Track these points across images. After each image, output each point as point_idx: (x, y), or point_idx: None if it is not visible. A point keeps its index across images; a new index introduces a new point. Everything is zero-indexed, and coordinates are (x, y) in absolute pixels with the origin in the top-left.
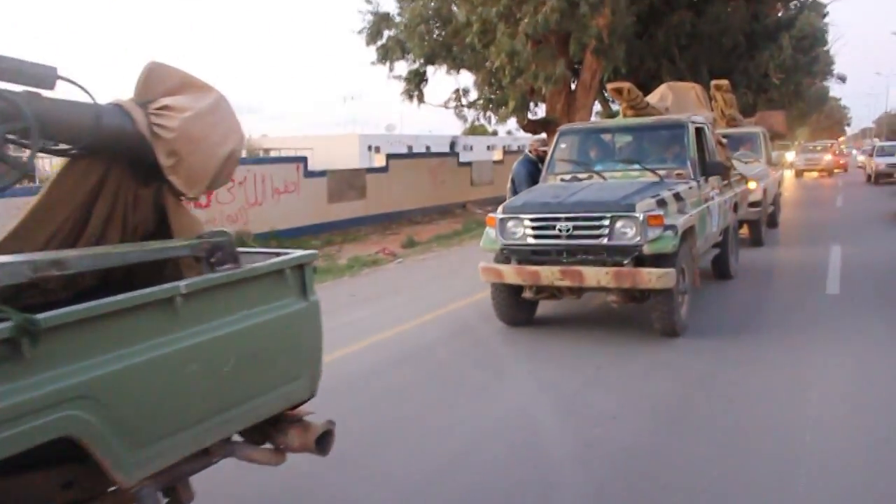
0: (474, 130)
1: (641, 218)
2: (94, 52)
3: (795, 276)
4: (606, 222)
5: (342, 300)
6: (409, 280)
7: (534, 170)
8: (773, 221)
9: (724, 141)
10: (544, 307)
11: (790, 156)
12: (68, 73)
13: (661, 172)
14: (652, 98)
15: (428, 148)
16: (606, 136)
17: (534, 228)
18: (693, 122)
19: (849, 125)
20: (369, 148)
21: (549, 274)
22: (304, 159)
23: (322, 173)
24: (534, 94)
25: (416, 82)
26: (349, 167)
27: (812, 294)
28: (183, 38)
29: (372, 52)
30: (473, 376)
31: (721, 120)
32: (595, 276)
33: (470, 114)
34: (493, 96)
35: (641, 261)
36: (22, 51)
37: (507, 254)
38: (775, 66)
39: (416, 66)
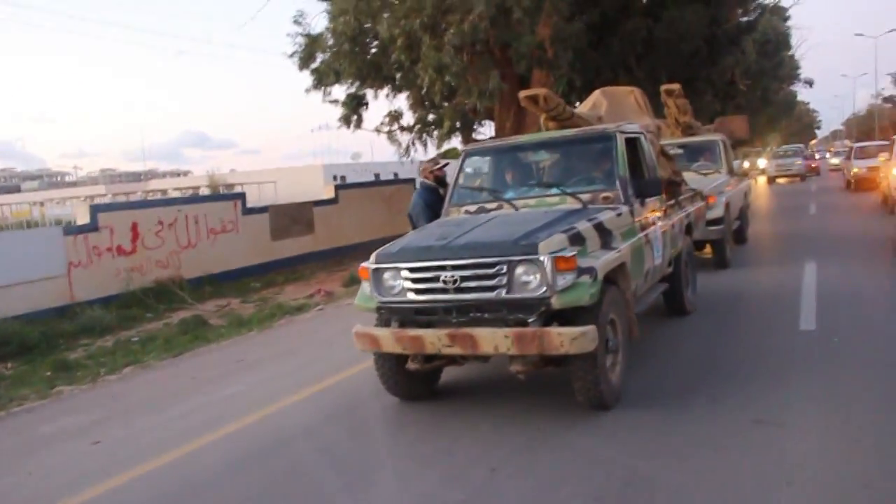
0: (447, 154)
1: (546, 261)
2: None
3: (764, 306)
4: (503, 269)
5: (227, 367)
6: (319, 334)
7: (434, 199)
8: (741, 237)
9: (672, 152)
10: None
11: (762, 162)
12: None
13: (585, 197)
14: (583, 107)
15: (396, 175)
16: (525, 156)
17: (414, 281)
18: (623, 133)
19: (819, 128)
20: (334, 178)
21: (434, 340)
22: (242, 195)
23: (263, 209)
24: (477, 112)
25: (352, 106)
26: (307, 199)
27: (783, 332)
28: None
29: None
30: (324, 488)
31: (675, 128)
32: (491, 340)
33: (404, 138)
34: (432, 117)
35: (554, 316)
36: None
37: (386, 314)
38: (741, 72)
39: (352, 89)
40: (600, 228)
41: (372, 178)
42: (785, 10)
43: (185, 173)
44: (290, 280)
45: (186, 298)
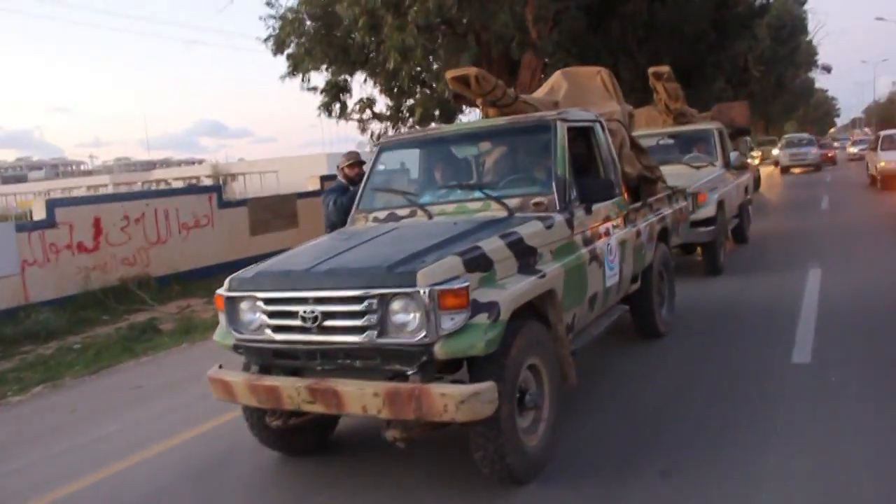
0: None
1: (426, 295)
2: None
3: (754, 327)
4: (373, 305)
5: (120, 396)
6: None
7: (348, 202)
8: (741, 236)
9: (661, 143)
10: None
11: (775, 152)
12: None
13: (513, 202)
14: (540, 91)
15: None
16: (452, 151)
17: (270, 315)
18: (567, 121)
19: (838, 116)
20: (338, 167)
21: (293, 393)
22: (217, 188)
23: (242, 202)
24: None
25: (333, 94)
26: (307, 189)
27: (771, 366)
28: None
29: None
30: None
31: (667, 115)
32: (358, 398)
33: (376, 126)
34: (411, 103)
35: (442, 368)
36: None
37: (246, 355)
38: (754, 58)
39: (328, 75)
40: (518, 246)
41: None
42: None
43: (200, 162)
44: None
45: (146, 299)
